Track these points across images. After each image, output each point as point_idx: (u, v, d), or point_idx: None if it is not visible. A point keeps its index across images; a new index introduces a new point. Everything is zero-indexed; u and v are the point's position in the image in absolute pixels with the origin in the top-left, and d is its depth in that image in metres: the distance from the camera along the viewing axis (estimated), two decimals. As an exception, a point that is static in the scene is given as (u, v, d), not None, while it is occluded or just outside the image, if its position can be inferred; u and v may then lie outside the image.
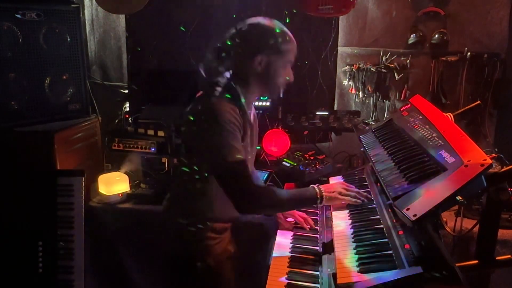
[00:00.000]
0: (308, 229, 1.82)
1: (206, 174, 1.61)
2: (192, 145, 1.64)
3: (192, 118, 1.57)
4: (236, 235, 1.88)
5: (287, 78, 1.70)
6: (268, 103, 2.69)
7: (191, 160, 1.65)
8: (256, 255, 1.99)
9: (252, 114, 1.74)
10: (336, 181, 2.00)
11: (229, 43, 1.61)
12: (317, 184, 1.67)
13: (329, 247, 1.58)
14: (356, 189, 1.72)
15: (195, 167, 1.62)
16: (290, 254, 1.63)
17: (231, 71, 1.63)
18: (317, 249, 1.66)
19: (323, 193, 1.63)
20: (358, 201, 1.67)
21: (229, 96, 1.57)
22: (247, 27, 1.61)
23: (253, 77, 1.63)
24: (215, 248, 1.71)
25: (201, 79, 1.67)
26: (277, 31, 1.61)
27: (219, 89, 1.59)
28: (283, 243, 1.71)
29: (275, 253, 1.65)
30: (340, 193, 1.66)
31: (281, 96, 1.74)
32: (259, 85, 1.66)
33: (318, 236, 1.75)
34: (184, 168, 1.67)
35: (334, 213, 1.69)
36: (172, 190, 1.83)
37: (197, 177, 1.63)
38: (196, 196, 1.67)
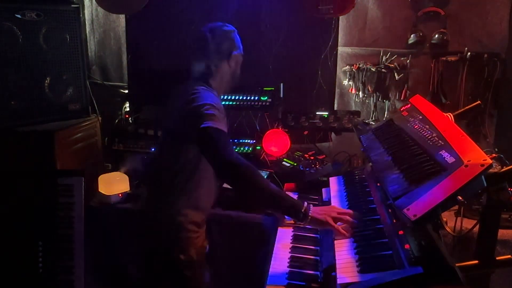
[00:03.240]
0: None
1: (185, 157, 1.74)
2: (175, 124, 1.78)
3: (178, 100, 1.76)
4: (236, 234, 1.90)
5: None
6: (268, 103, 2.69)
7: (170, 148, 1.79)
8: (256, 254, 1.99)
9: None
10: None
11: (203, 47, 1.83)
12: (310, 203, 1.57)
13: (329, 247, 1.58)
14: (351, 213, 1.56)
15: (173, 155, 1.75)
16: (290, 254, 1.63)
17: (205, 72, 1.83)
18: (317, 249, 1.66)
19: (310, 212, 1.53)
20: (347, 234, 1.49)
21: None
22: (216, 30, 1.84)
23: (226, 75, 1.86)
24: (196, 241, 1.80)
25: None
26: (234, 30, 1.87)
27: (201, 84, 1.78)
28: (283, 243, 1.71)
29: (275, 253, 1.64)
30: (332, 218, 1.52)
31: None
32: (228, 80, 1.89)
33: (318, 236, 1.75)
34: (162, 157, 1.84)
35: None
36: (149, 185, 1.95)
37: (175, 167, 1.75)
38: (173, 188, 1.76)
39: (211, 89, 1.79)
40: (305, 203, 1.56)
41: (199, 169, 1.77)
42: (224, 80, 1.88)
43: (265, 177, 2.35)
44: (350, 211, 1.58)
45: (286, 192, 2.18)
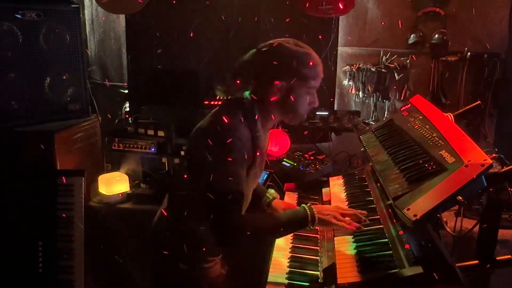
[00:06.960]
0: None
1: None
2: (194, 165, 1.50)
3: (200, 135, 1.49)
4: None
5: (311, 104, 1.60)
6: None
7: (191, 186, 1.51)
8: (255, 254, 1.98)
9: (265, 138, 1.65)
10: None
11: (249, 65, 1.52)
12: (309, 204, 1.52)
13: (329, 247, 1.58)
14: (354, 211, 1.55)
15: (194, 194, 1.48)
16: (290, 254, 1.63)
17: (251, 93, 1.53)
18: (317, 249, 1.66)
19: (316, 215, 1.47)
20: (353, 228, 1.47)
21: (245, 118, 1.49)
22: (267, 49, 1.51)
23: (272, 102, 1.50)
24: (211, 271, 1.63)
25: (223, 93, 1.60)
26: (300, 54, 1.50)
27: (237, 108, 1.51)
28: (283, 243, 1.71)
29: (275, 253, 1.65)
30: (335, 218, 1.48)
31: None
32: (279, 112, 1.55)
33: (318, 236, 1.75)
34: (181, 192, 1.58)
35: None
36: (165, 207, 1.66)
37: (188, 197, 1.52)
38: (188, 214, 1.53)
39: (247, 119, 1.49)
40: (307, 210, 1.48)
41: None
42: (273, 110, 1.54)
43: (265, 177, 2.35)
44: (353, 210, 1.56)
45: (286, 192, 2.18)
